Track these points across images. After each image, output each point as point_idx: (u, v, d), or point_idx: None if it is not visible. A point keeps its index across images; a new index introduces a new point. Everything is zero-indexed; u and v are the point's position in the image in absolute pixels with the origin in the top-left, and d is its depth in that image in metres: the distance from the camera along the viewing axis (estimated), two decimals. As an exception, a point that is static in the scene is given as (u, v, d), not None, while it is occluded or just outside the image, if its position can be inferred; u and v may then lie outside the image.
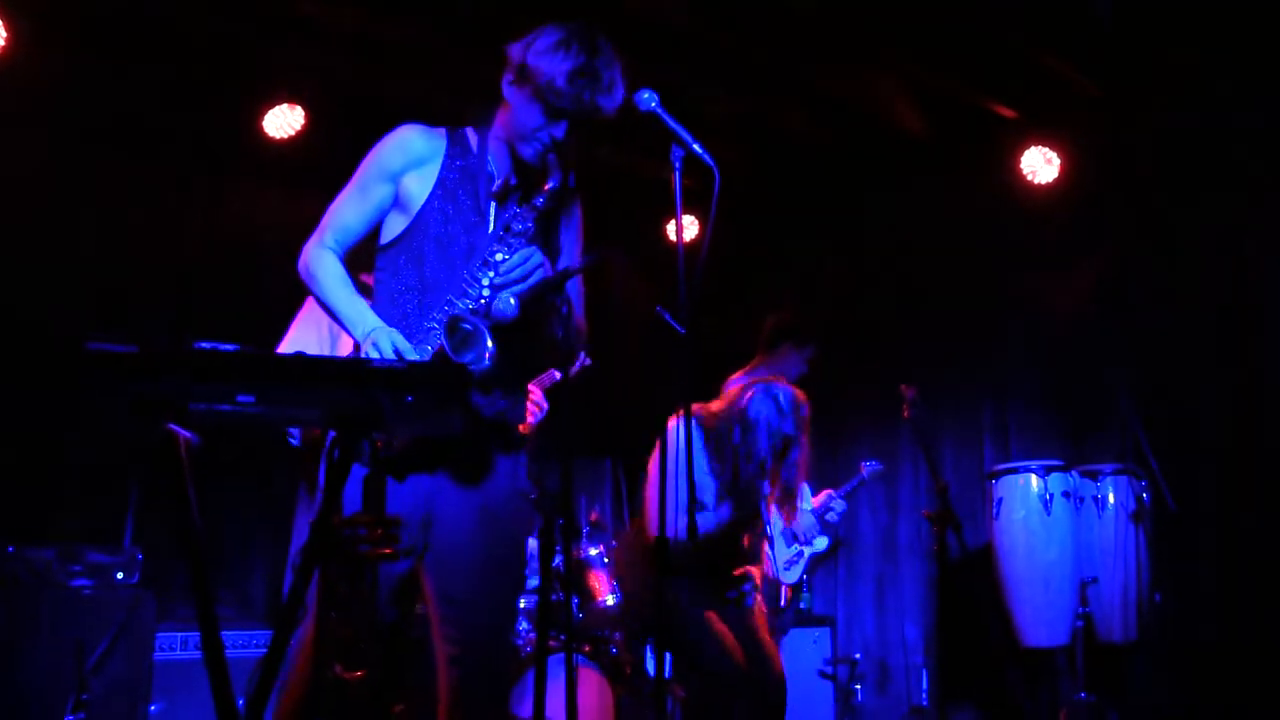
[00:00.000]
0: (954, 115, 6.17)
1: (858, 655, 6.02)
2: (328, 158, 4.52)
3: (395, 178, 2.82)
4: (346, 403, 2.26)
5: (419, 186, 2.82)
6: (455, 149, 2.87)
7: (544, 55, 2.72)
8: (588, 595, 4.82)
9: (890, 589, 6.54)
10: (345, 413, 2.31)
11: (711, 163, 3.19)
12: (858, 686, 5.90)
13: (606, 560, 4.83)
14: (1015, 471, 5.30)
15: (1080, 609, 5.07)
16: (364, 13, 5.21)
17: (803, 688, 5.83)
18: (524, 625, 4.77)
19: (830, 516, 5.86)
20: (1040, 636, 5.13)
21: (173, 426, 2.39)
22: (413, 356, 2.63)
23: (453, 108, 3.08)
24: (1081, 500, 5.20)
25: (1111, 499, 5.17)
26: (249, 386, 2.19)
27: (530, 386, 4.60)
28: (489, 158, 2.88)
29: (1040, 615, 5.12)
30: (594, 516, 5.04)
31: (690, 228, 6.84)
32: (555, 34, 2.75)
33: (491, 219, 2.84)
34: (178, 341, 2.55)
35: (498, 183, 2.86)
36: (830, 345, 5.73)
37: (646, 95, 3.21)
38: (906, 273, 6.64)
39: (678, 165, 3.23)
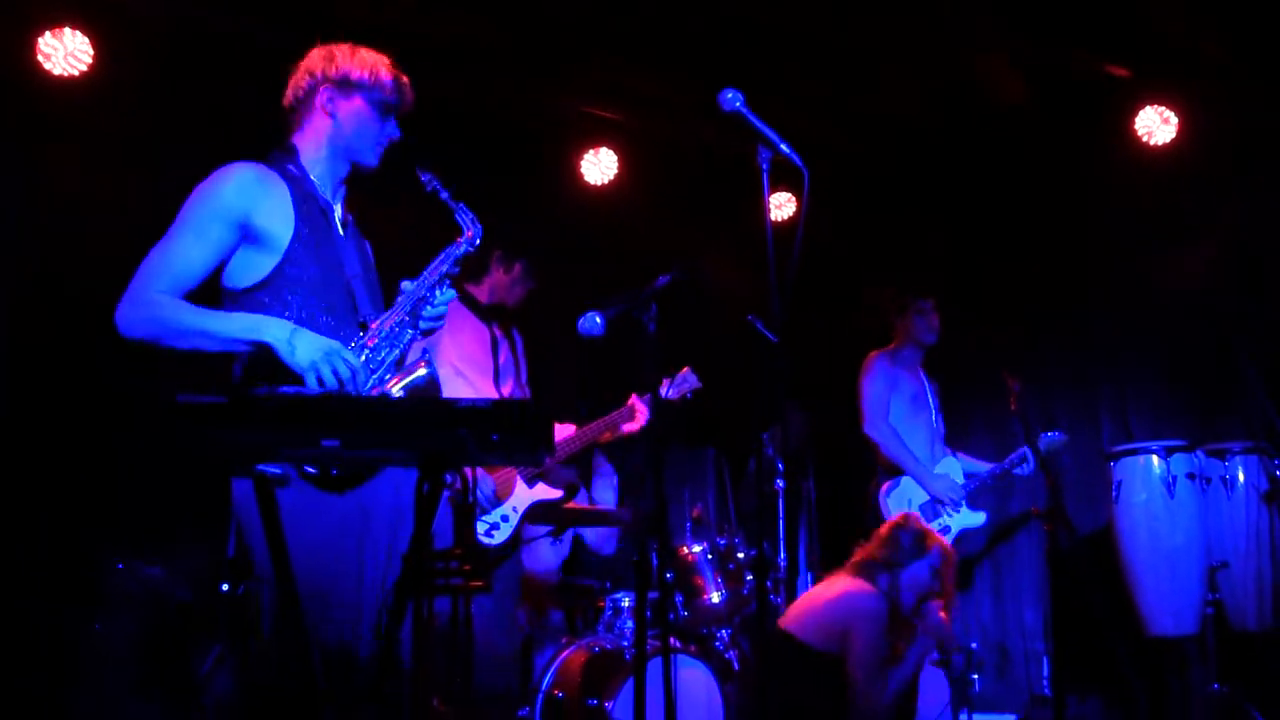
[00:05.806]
0: (1059, 77, 5.86)
1: (974, 644, 5.81)
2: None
3: (241, 220, 2.72)
4: (432, 443, 2.22)
5: (277, 222, 2.74)
6: (289, 178, 2.81)
7: (357, 63, 2.83)
8: (693, 593, 4.75)
9: (1007, 573, 6.33)
10: (432, 453, 2.27)
11: (800, 162, 3.06)
12: (975, 675, 5.69)
13: (710, 557, 4.74)
14: (1135, 453, 5.10)
15: (1210, 595, 4.88)
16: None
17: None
18: (630, 624, 4.73)
19: (1022, 469, 5.43)
20: (1167, 625, 4.93)
21: (262, 468, 2.40)
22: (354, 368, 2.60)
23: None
24: (1208, 481, 4.99)
25: (1241, 479, 4.96)
26: (334, 431, 2.17)
27: (634, 399, 4.53)
28: (314, 182, 2.86)
29: (1166, 603, 4.93)
30: (696, 512, 4.95)
31: (789, 205, 6.66)
32: (345, 46, 2.87)
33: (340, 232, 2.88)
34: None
35: (338, 209, 2.89)
36: (943, 324, 5.57)
37: (730, 95, 3.08)
38: (1016, 246, 6.37)
39: (765, 166, 3.10)
